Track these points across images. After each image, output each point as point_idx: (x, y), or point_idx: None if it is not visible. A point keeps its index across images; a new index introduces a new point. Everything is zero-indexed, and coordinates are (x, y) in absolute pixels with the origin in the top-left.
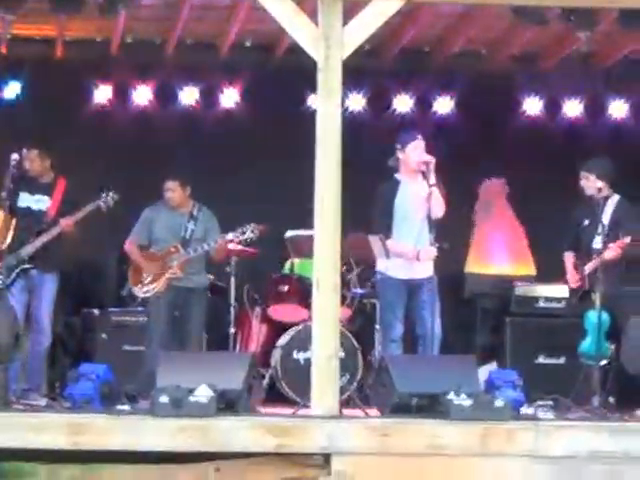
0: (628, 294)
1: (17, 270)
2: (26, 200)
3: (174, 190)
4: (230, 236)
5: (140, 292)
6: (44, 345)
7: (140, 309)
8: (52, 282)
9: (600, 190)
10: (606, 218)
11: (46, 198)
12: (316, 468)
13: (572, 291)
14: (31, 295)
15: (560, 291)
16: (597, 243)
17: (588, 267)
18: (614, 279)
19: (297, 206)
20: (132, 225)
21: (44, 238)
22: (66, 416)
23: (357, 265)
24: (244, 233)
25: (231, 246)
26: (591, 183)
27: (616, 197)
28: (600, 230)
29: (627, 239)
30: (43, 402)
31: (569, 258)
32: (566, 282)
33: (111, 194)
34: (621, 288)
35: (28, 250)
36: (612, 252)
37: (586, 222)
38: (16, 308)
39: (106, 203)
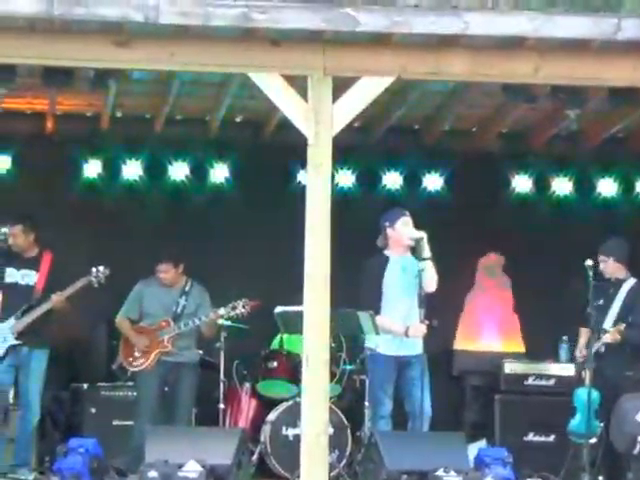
0: (629, 378)
1: (6, 346)
2: (13, 275)
3: (167, 272)
4: (222, 311)
5: (130, 366)
6: (32, 422)
7: (129, 384)
8: (41, 358)
9: (617, 272)
10: (619, 300)
11: (33, 273)
12: None
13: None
14: (19, 371)
15: (550, 369)
16: (607, 324)
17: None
18: (618, 362)
19: (286, 282)
20: (122, 300)
21: (34, 314)
22: None
23: (346, 341)
24: (235, 308)
25: (220, 322)
26: (609, 266)
27: (632, 281)
28: (611, 312)
29: (622, 325)
30: (31, 477)
31: (583, 334)
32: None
33: (102, 269)
34: (623, 372)
35: (18, 327)
36: (610, 336)
37: (600, 302)
38: (5, 384)
39: (97, 279)
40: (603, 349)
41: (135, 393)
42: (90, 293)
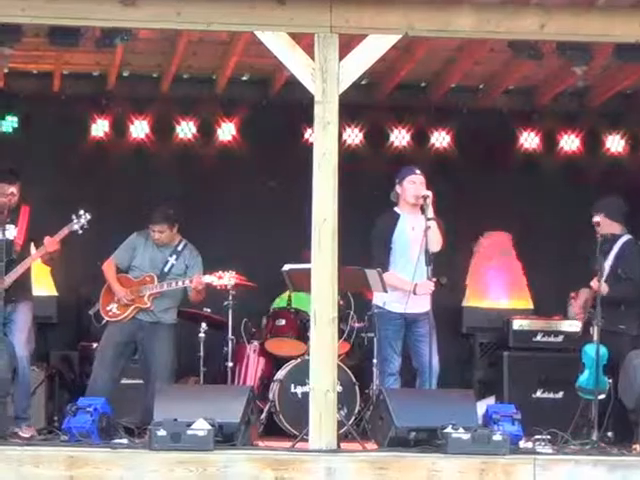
0: (624, 332)
1: None
2: None
3: (162, 231)
4: (206, 278)
5: (106, 315)
6: (22, 374)
7: None
8: (25, 311)
9: (610, 229)
10: (611, 257)
11: (12, 227)
12: None
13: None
14: (5, 327)
15: (558, 325)
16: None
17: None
18: (611, 316)
19: (295, 240)
20: None
21: (23, 266)
22: (64, 449)
23: (354, 298)
24: (221, 278)
25: (231, 281)
26: (601, 222)
27: (625, 237)
28: (599, 268)
29: (594, 283)
30: (28, 434)
31: (583, 293)
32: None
33: (83, 213)
34: (616, 326)
35: (7, 281)
36: (594, 285)
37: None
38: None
39: (79, 224)
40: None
41: None
42: (97, 254)
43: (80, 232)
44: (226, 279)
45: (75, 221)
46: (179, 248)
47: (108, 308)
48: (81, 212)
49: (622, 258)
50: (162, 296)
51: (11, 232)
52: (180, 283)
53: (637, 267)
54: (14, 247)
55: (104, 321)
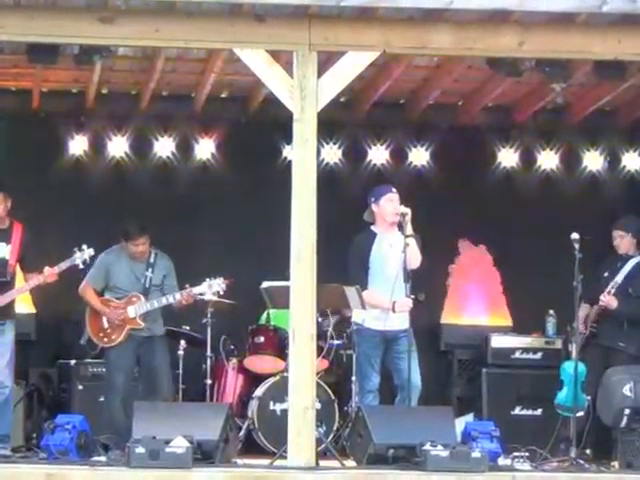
0: (623, 350)
1: None
2: None
3: (144, 243)
4: (196, 290)
5: (101, 342)
6: (3, 393)
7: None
8: (9, 331)
9: (628, 248)
10: (623, 274)
11: (3, 244)
12: None
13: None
14: None
15: (536, 342)
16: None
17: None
18: (614, 333)
19: (273, 257)
20: None
21: (23, 289)
22: (43, 467)
23: (333, 316)
24: (211, 287)
25: (207, 297)
26: (626, 241)
27: (639, 257)
28: (612, 284)
29: (605, 296)
30: (8, 452)
31: (583, 309)
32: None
33: (86, 248)
34: (617, 343)
35: (5, 300)
36: (603, 299)
37: (605, 274)
38: None
39: (82, 259)
40: (594, 316)
41: None
42: (75, 269)
43: (82, 267)
44: (215, 286)
45: (78, 255)
46: (151, 260)
47: (101, 334)
48: (84, 247)
49: (635, 277)
50: (149, 312)
51: (2, 250)
52: (171, 299)
53: None
54: (8, 268)
55: (99, 348)
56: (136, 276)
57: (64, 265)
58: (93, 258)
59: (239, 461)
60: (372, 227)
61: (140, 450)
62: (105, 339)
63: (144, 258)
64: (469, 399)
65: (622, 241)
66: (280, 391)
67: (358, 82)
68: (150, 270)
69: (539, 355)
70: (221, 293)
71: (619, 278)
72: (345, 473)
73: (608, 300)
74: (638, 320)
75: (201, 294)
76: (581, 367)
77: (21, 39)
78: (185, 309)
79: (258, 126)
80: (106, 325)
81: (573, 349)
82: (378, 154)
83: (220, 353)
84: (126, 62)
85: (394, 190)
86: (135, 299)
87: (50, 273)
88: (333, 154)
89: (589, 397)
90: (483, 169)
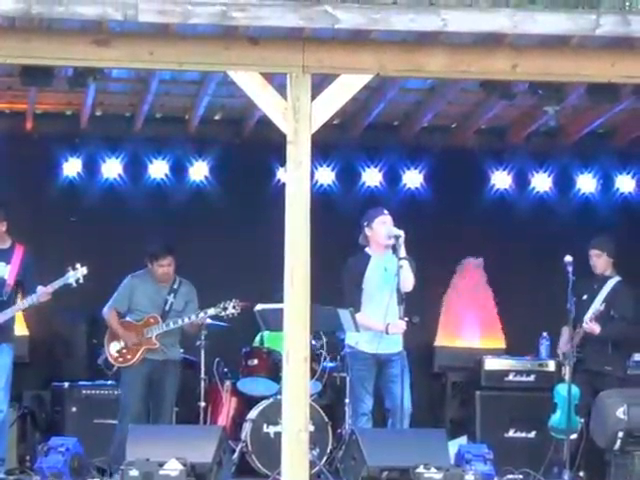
0: (609, 374)
1: None
2: None
3: (170, 265)
4: (212, 311)
5: (116, 362)
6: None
7: (109, 383)
8: (7, 352)
9: (605, 268)
10: (602, 296)
11: (2, 264)
12: None
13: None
14: None
15: (530, 365)
16: (588, 317)
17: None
18: (599, 357)
19: (267, 279)
20: (102, 298)
21: (16, 308)
22: None
23: (326, 338)
24: (226, 309)
25: (237, 309)
26: (602, 261)
27: (617, 278)
28: (593, 307)
29: (587, 323)
30: (1, 475)
31: (565, 331)
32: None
33: (79, 267)
34: (603, 367)
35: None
36: (586, 326)
37: (584, 297)
38: None
39: (75, 278)
40: (578, 341)
41: (117, 392)
42: (69, 291)
43: (74, 285)
44: (230, 308)
45: (71, 274)
46: (175, 286)
47: (117, 355)
48: (77, 265)
49: (614, 299)
50: (166, 334)
51: (2, 269)
52: (187, 319)
53: (630, 307)
54: (5, 287)
55: (115, 368)
56: (158, 299)
57: (57, 284)
58: (86, 276)
59: None
60: (366, 249)
61: (134, 473)
62: (120, 359)
63: (169, 282)
64: (463, 421)
65: (598, 260)
66: (274, 414)
67: (352, 104)
68: (172, 295)
69: (532, 377)
70: (235, 316)
71: (598, 303)
72: None
73: (591, 327)
74: (622, 341)
75: (216, 314)
76: (574, 390)
77: (15, 61)
78: (196, 334)
79: (252, 148)
80: (123, 346)
81: (566, 372)
82: (372, 176)
83: (214, 376)
84: (120, 84)
85: (386, 212)
86: (152, 320)
87: (43, 292)
88: (327, 176)
89: (582, 419)
90: (477, 191)
